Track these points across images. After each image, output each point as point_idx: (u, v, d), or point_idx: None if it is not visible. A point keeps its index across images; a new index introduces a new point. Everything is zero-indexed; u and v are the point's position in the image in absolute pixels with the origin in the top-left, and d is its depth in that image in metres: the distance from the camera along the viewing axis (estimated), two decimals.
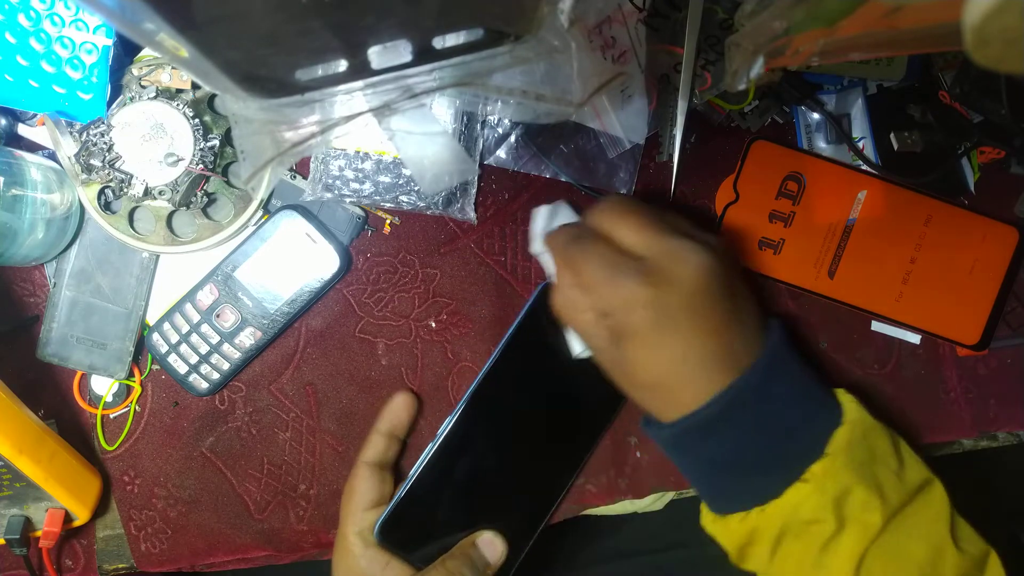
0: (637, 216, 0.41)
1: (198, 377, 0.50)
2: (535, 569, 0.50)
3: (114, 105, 0.46)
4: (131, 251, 0.49)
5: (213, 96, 0.48)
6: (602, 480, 0.52)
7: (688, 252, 0.39)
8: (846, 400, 0.42)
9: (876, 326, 0.52)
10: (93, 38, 0.44)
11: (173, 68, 0.46)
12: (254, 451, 0.52)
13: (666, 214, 0.42)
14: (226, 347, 0.50)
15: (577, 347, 0.47)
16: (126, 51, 0.47)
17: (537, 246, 0.46)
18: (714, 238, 0.41)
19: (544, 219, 0.46)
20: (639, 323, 0.38)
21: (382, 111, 0.35)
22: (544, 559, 0.48)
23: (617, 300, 0.39)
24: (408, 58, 0.33)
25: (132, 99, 0.46)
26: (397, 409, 0.50)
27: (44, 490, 0.47)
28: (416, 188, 0.47)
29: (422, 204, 0.48)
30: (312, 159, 0.48)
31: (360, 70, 0.33)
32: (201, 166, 0.46)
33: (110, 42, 0.44)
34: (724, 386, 0.39)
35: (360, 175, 0.47)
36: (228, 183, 0.48)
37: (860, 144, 0.49)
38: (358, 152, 0.47)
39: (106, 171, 0.46)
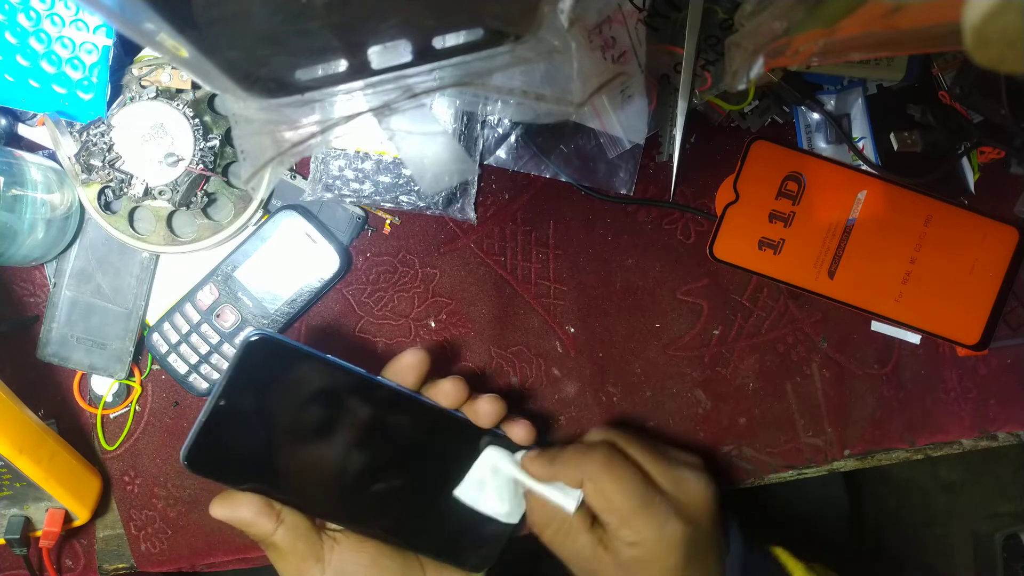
0: (645, 444, 0.44)
1: (198, 377, 0.50)
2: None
3: (114, 105, 0.46)
4: (131, 251, 0.49)
5: (213, 96, 0.48)
6: None
7: (703, 486, 0.42)
8: None
9: (876, 326, 0.52)
10: (93, 38, 0.44)
11: (173, 68, 0.46)
12: None
13: (656, 443, 0.45)
14: (226, 347, 0.50)
15: (472, 493, 0.44)
16: (126, 51, 0.47)
17: (532, 484, 0.43)
18: (700, 461, 0.45)
19: (494, 467, 0.44)
20: (669, 560, 0.40)
21: (382, 111, 0.35)
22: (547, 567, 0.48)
23: (649, 533, 0.40)
24: (408, 58, 0.33)
25: (132, 99, 0.46)
26: (403, 371, 0.43)
27: (44, 490, 0.47)
28: (416, 188, 0.47)
29: (422, 204, 0.48)
30: (312, 159, 0.48)
31: (360, 70, 0.33)
32: (201, 166, 0.46)
33: (110, 42, 0.44)
34: None
35: (360, 175, 0.47)
36: (228, 183, 0.48)
37: (860, 144, 0.49)
38: (358, 152, 0.47)
39: (106, 171, 0.46)
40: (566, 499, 0.43)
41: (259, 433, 0.41)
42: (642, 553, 0.40)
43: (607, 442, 0.45)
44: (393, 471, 0.43)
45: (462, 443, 0.44)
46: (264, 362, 0.40)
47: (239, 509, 0.40)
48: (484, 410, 0.42)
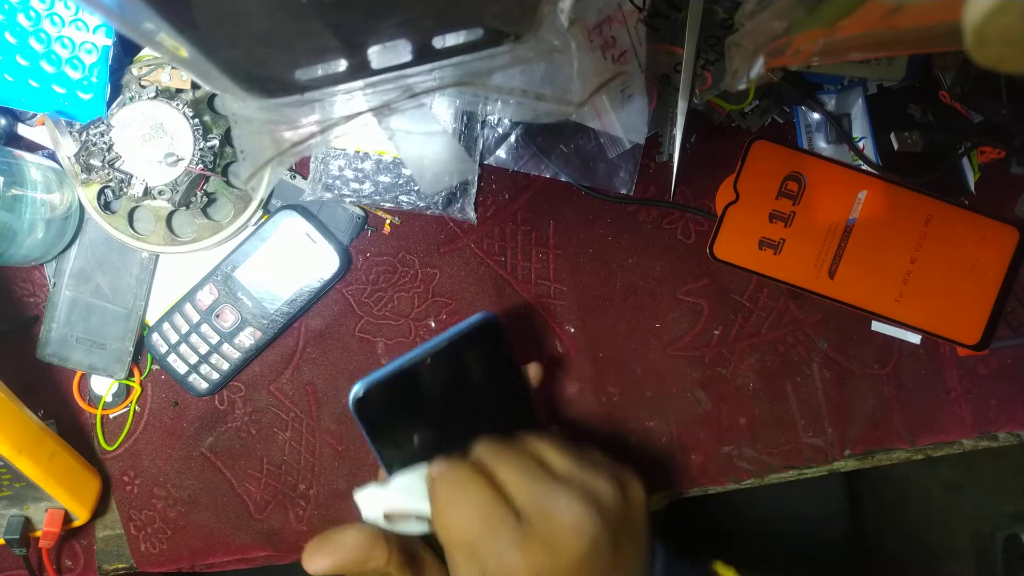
0: (519, 454, 0.37)
1: (198, 377, 0.50)
2: None
3: (114, 105, 0.46)
4: (131, 251, 0.49)
5: (213, 96, 0.48)
6: None
7: (572, 513, 0.34)
8: None
9: (876, 326, 0.52)
10: (93, 38, 0.44)
11: (173, 68, 0.46)
12: (254, 451, 0.52)
13: (567, 444, 0.38)
14: (226, 347, 0.50)
15: (367, 510, 0.39)
16: (126, 51, 0.47)
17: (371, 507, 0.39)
18: (610, 478, 0.37)
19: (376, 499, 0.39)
20: None
21: (382, 111, 0.35)
22: None
23: (491, 564, 0.34)
24: (408, 58, 0.33)
25: (132, 99, 0.46)
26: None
27: (44, 490, 0.47)
28: (416, 188, 0.47)
29: (422, 204, 0.48)
30: (312, 159, 0.48)
31: (360, 70, 0.33)
32: (201, 166, 0.46)
33: (110, 42, 0.44)
34: None
35: (360, 175, 0.47)
36: (228, 183, 0.48)
37: (860, 144, 0.49)
38: (358, 152, 0.47)
39: (106, 171, 0.46)
40: (418, 526, 0.39)
41: (422, 406, 0.39)
42: None
43: (476, 460, 0.38)
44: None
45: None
46: (477, 342, 0.38)
47: (348, 550, 0.35)
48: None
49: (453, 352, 0.38)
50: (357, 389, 0.36)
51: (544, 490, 0.35)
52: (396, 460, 0.39)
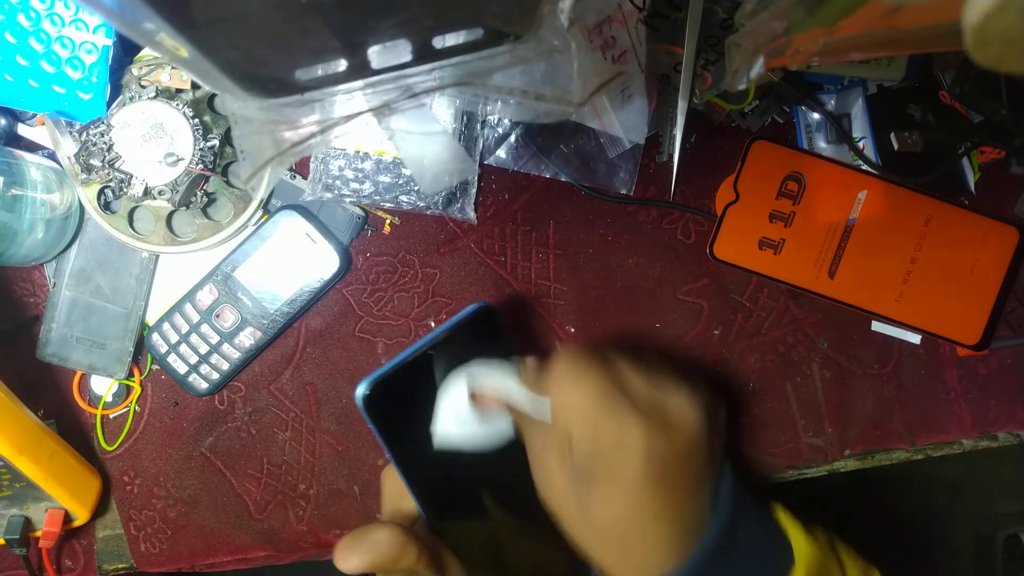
0: (632, 358, 0.39)
1: (198, 377, 0.50)
2: None
3: (114, 105, 0.46)
4: (131, 251, 0.49)
5: (213, 96, 0.48)
6: None
7: (687, 407, 0.37)
8: (796, 538, 0.41)
9: (876, 326, 0.52)
10: (93, 38, 0.44)
11: (173, 68, 0.46)
12: (254, 451, 0.52)
13: (653, 359, 0.40)
14: (226, 347, 0.50)
15: (448, 428, 0.38)
16: (126, 51, 0.47)
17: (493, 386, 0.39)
18: (694, 389, 0.39)
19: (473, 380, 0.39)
20: (626, 471, 0.35)
21: (382, 111, 0.35)
22: None
23: (608, 440, 0.36)
24: (408, 58, 0.33)
25: (132, 99, 0.46)
26: None
27: (44, 490, 0.47)
28: (416, 188, 0.47)
29: (422, 204, 0.48)
30: (312, 159, 0.48)
31: (360, 70, 0.33)
32: (201, 166, 0.46)
33: (110, 42, 0.44)
34: (695, 546, 0.37)
35: (360, 175, 0.47)
36: (228, 183, 0.48)
37: (860, 144, 0.49)
38: (358, 152, 0.47)
39: (106, 171, 0.46)
40: (542, 409, 0.38)
41: (428, 399, 0.38)
42: (597, 463, 0.36)
43: (587, 350, 0.39)
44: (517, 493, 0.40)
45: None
46: (476, 332, 0.38)
47: (383, 549, 0.35)
48: None
49: (453, 342, 0.38)
50: (363, 386, 0.36)
51: (658, 384, 0.38)
52: (409, 456, 0.39)
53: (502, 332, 0.39)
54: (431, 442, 0.39)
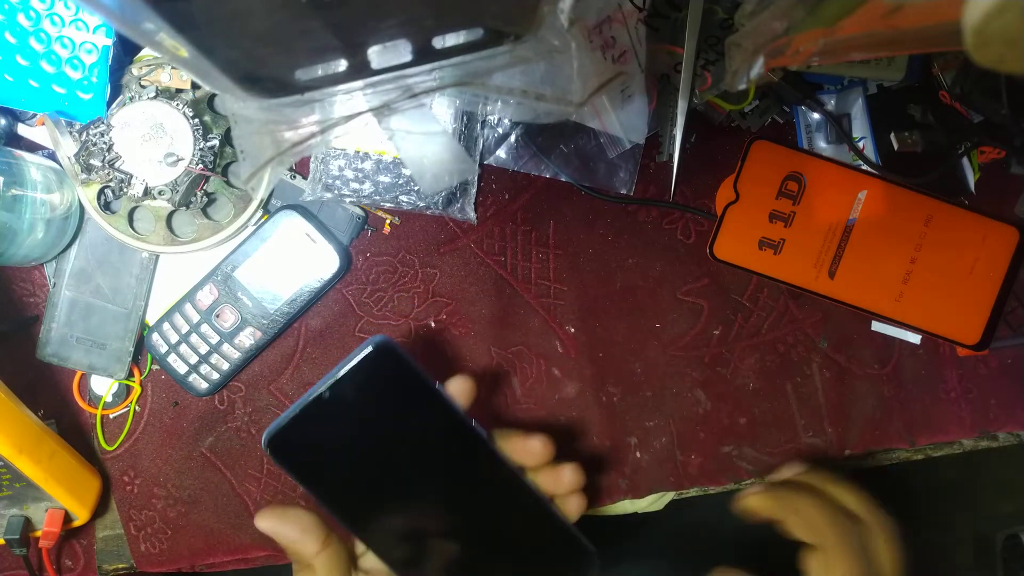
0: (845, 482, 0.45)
1: (198, 377, 0.50)
2: None
3: (114, 105, 0.46)
4: (131, 251, 0.49)
5: (213, 96, 0.48)
6: (602, 480, 0.52)
7: (893, 547, 0.44)
8: None
9: (876, 326, 0.52)
10: (93, 38, 0.44)
11: (173, 68, 0.46)
12: (254, 451, 0.52)
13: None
14: (226, 347, 0.49)
15: None
16: (126, 51, 0.47)
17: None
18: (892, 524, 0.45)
19: None
20: None
21: (382, 111, 0.35)
22: None
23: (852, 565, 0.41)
24: (408, 58, 0.33)
25: (132, 99, 0.46)
26: (522, 450, 0.38)
27: (44, 490, 0.47)
28: (416, 188, 0.47)
29: (422, 204, 0.48)
30: (312, 159, 0.48)
31: (360, 70, 0.33)
32: (201, 166, 0.46)
33: (110, 42, 0.44)
34: None
35: (360, 175, 0.47)
36: (228, 183, 0.48)
37: (860, 144, 0.49)
38: (358, 152, 0.47)
39: (106, 171, 0.46)
40: None
41: (345, 440, 0.38)
42: None
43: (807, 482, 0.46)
44: (461, 527, 0.40)
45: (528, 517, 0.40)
46: (377, 370, 0.37)
47: (288, 524, 0.38)
48: (567, 480, 0.39)
49: (352, 381, 0.37)
50: (266, 438, 0.36)
51: (876, 508, 0.45)
52: (334, 497, 0.38)
53: (405, 364, 0.37)
54: (357, 479, 0.38)
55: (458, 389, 0.38)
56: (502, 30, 0.33)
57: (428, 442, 0.39)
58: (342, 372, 0.36)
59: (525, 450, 0.38)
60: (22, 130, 0.49)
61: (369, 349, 0.36)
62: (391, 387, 0.38)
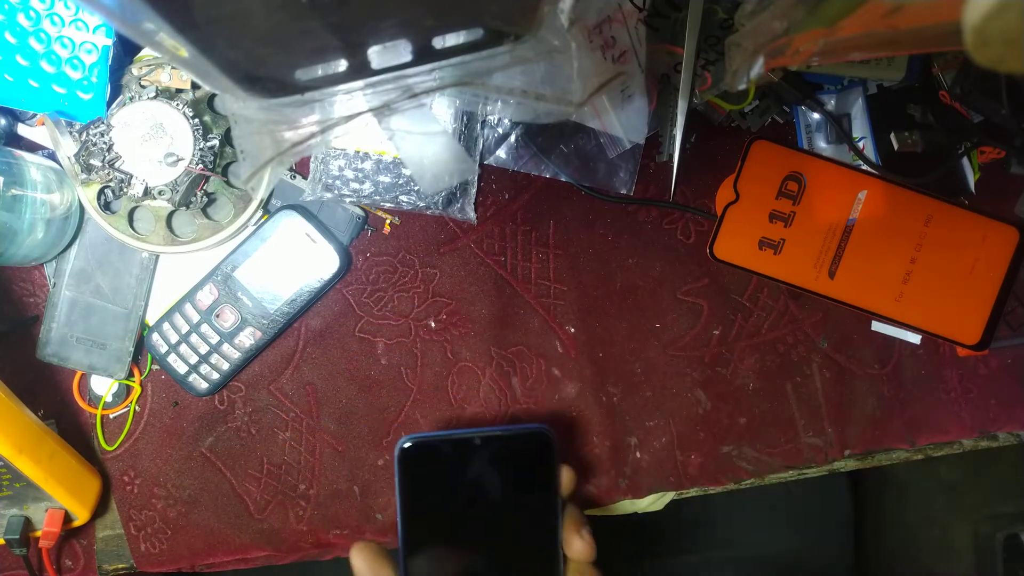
0: None
1: (198, 377, 0.50)
2: None
3: (114, 105, 0.46)
4: (131, 251, 0.49)
5: (213, 96, 0.48)
6: (602, 480, 0.52)
7: None
8: None
9: (876, 326, 0.52)
10: (93, 38, 0.44)
11: (173, 68, 0.46)
12: (254, 451, 0.52)
13: None
14: (226, 347, 0.50)
15: None
16: (126, 51, 0.47)
17: None
18: None
19: None
20: None
21: (382, 111, 0.35)
22: None
23: None
24: (408, 58, 0.33)
25: (132, 99, 0.46)
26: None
27: (44, 490, 0.47)
28: (416, 188, 0.47)
29: (422, 204, 0.48)
30: (312, 159, 0.48)
31: (360, 70, 0.33)
32: (201, 166, 0.46)
33: (110, 42, 0.44)
34: None
35: (360, 175, 0.47)
36: (228, 183, 0.48)
37: (860, 144, 0.49)
38: (358, 152, 0.47)
39: (106, 171, 0.46)
40: None
41: (460, 483, 0.41)
42: None
43: None
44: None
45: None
46: (527, 447, 0.40)
47: (369, 559, 0.40)
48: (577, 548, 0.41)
49: (502, 445, 0.40)
50: (406, 440, 0.39)
51: None
52: (416, 525, 0.41)
53: (551, 457, 0.40)
54: (442, 520, 0.41)
55: (566, 480, 0.41)
56: (502, 30, 0.33)
57: (520, 514, 0.41)
58: (502, 433, 0.40)
59: (570, 546, 0.40)
60: (22, 130, 0.49)
61: (534, 429, 0.40)
62: (527, 466, 0.41)
